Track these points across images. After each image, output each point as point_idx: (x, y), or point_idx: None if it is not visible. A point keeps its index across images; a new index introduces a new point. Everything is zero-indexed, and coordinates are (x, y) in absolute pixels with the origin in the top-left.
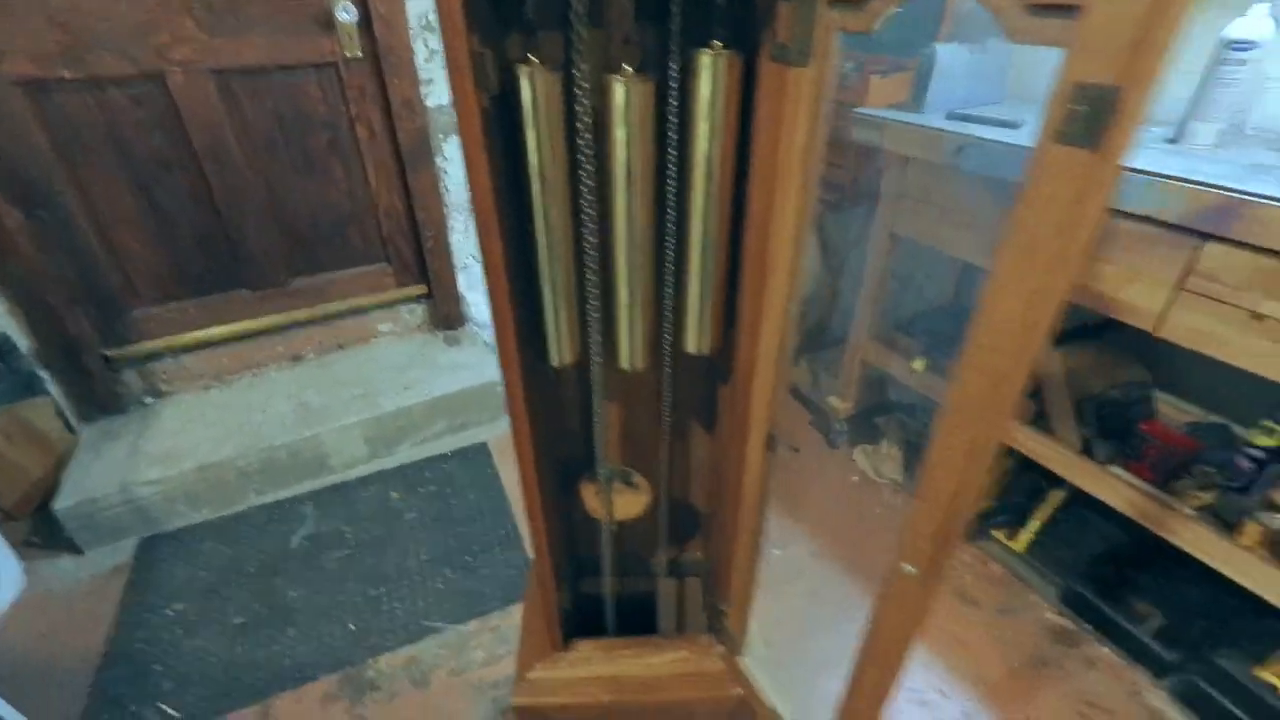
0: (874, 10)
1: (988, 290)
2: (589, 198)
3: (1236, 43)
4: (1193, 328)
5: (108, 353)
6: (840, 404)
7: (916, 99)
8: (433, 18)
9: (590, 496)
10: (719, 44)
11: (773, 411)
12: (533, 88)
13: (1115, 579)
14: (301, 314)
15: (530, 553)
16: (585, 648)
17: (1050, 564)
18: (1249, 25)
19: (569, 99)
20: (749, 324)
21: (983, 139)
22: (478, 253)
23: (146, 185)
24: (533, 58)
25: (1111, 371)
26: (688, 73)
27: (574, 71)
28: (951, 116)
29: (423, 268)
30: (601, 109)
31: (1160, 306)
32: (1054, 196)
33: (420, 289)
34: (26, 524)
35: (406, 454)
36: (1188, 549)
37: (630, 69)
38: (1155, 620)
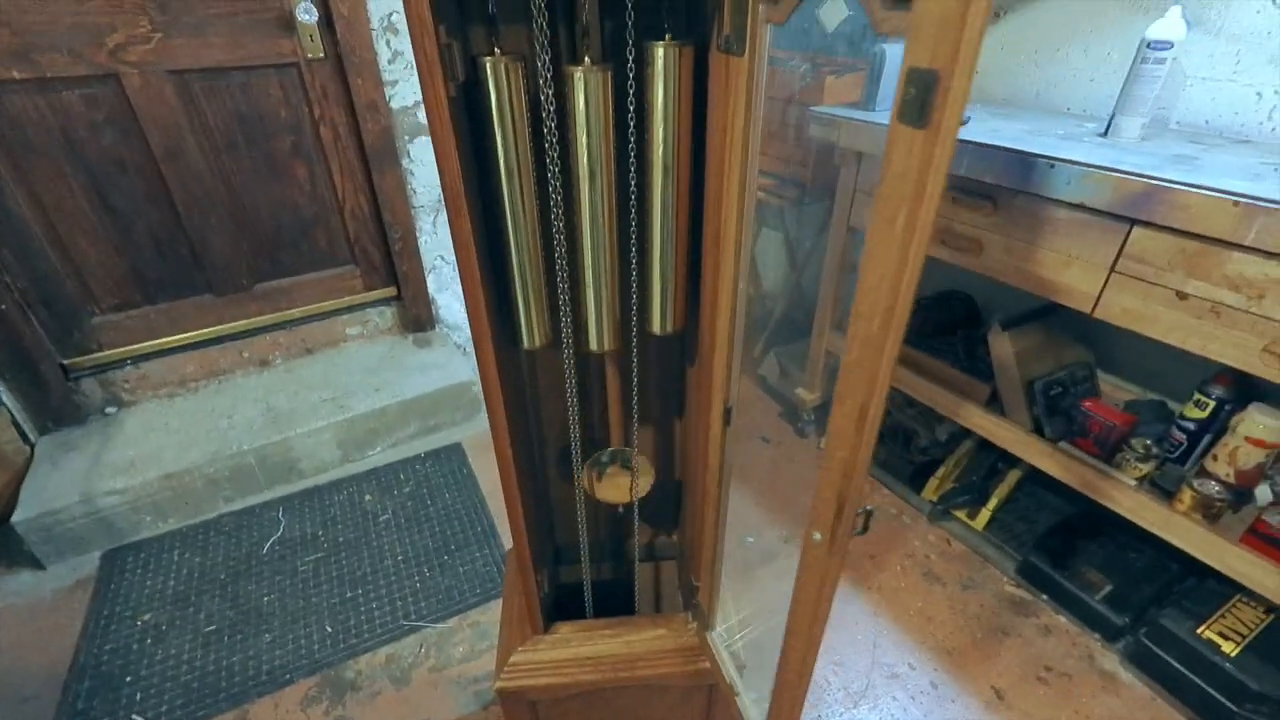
0: (785, 6)
1: (863, 261)
2: (554, 184)
3: (1155, 43)
4: (1126, 308)
5: (65, 362)
6: (808, 395)
7: (869, 97)
8: (395, 19)
9: (592, 482)
10: (670, 37)
11: (730, 384)
12: (497, 79)
13: (1067, 550)
14: (267, 318)
15: (509, 546)
16: (565, 630)
17: (1008, 539)
18: (1166, 27)
19: (532, 89)
20: (709, 304)
21: None
22: (447, 253)
23: (102, 189)
24: (497, 49)
25: (1057, 353)
26: (643, 64)
27: (537, 63)
28: None
29: (391, 270)
30: (564, 98)
31: (1096, 289)
32: (904, 171)
33: (389, 291)
34: None
35: (379, 457)
36: (1131, 518)
37: (589, 60)
38: (1105, 587)
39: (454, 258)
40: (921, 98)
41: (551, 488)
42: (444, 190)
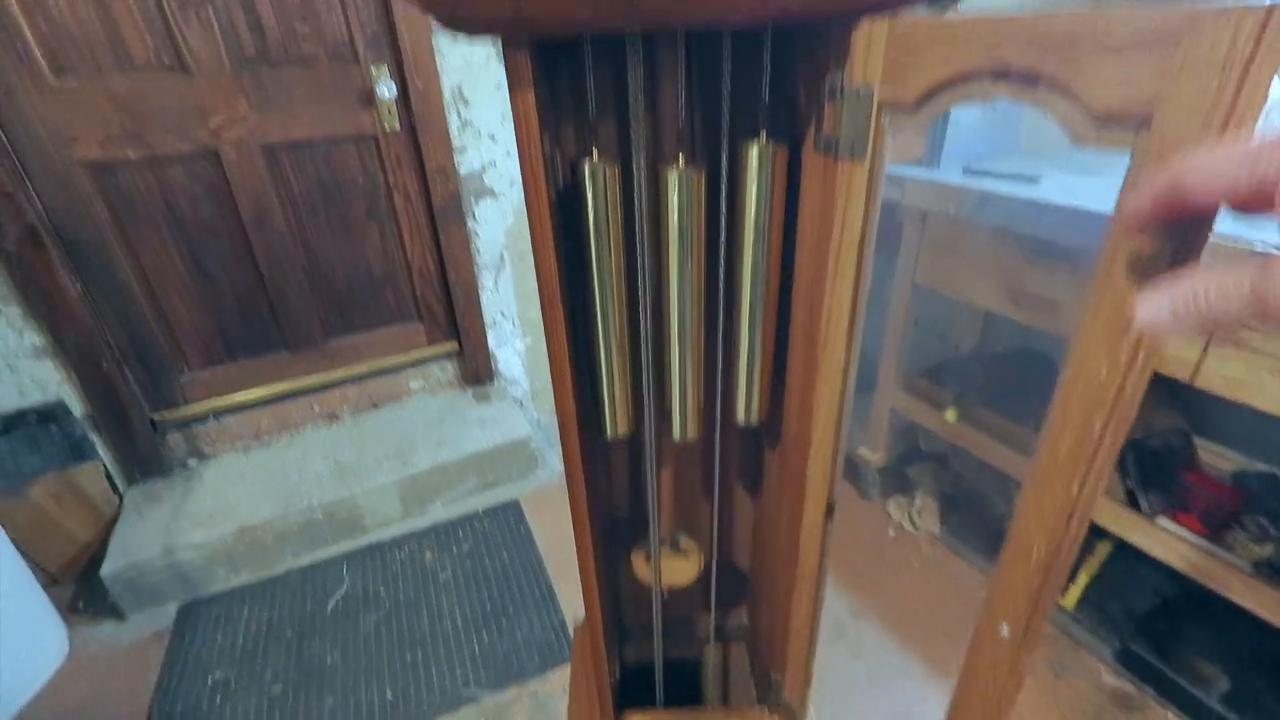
0: (928, 111)
1: (1070, 360)
2: (643, 278)
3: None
4: (1229, 376)
5: (154, 416)
6: (871, 454)
7: (932, 155)
8: (466, 90)
9: (641, 565)
10: (765, 135)
11: (832, 481)
12: (595, 182)
13: (1172, 635)
14: (337, 373)
15: (566, 614)
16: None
17: (1102, 620)
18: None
19: (626, 188)
20: (799, 394)
21: (1002, 194)
22: (507, 309)
23: (195, 253)
24: (594, 150)
25: (1147, 418)
26: (736, 161)
27: (632, 165)
28: (968, 171)
29: (453, 325)
30: (656, 196)
31: (1195, 356)
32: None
33: (451, 346)
34: (71, 588)
35: (439, 512)
36: (1249, 607)
37: (683, 159)
38: (1221, 683)
39: (513, 313)
40: None
41: (619, 567)
42: (540, 290)
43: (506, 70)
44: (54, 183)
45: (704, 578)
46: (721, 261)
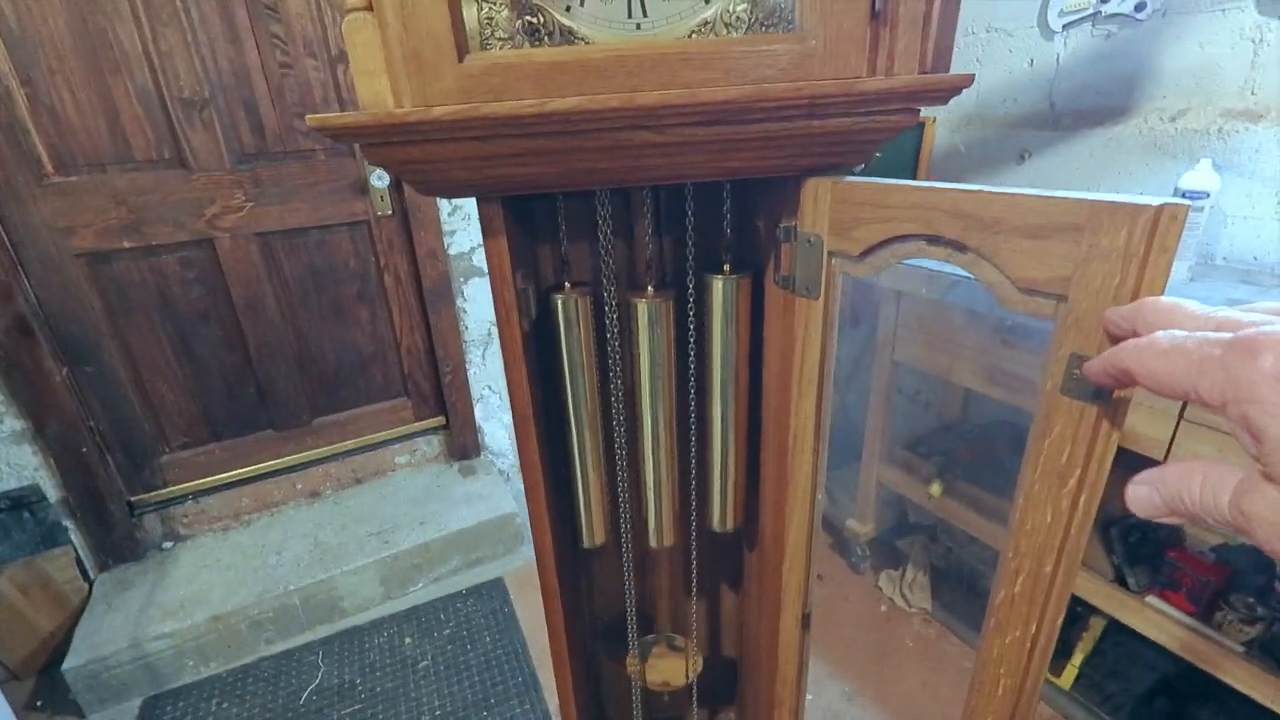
0: (873, 264)
1: (1017, 505)
2: (617, 396)
3: (1190, 192)
4: (1201, 455)
5: (132, 499)
6: (861, 527)
7: None
8: None
9: (640, 666)
10: (728, 269)
11: (806, 592)
12: (567, 313)
13: (1178, 716)
14: (322, 451)
15: (550, 704)
16: None
17: (1103, 701)
18: (1199, 178)
19: (598, 315)
20: (772, 504)
21: (967, 277)
22: (494, 383)
23: (185, 337)
24: (567, 283)
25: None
26: (702, 290)
27: (603, 293)
28: None
29: (440, 400)
30: (627, 322)
31: (1166, 436)
32: (1071, 437)
33: (438, 420)
34: (31, 684)
35: (421, 593)
36: (1244, 689)
37: (652, 289)
38: None
39: (500, 387)
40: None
41: (601, 666)
42: (514, 414)
43: (480, 221)
44: (47, 271)
45: (688, 674)
46: (692, 380)
